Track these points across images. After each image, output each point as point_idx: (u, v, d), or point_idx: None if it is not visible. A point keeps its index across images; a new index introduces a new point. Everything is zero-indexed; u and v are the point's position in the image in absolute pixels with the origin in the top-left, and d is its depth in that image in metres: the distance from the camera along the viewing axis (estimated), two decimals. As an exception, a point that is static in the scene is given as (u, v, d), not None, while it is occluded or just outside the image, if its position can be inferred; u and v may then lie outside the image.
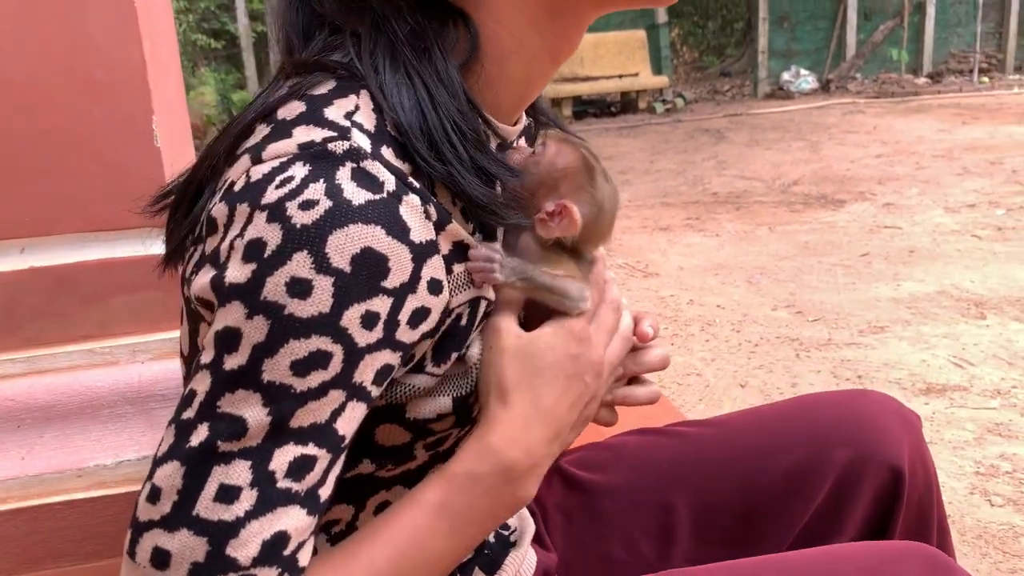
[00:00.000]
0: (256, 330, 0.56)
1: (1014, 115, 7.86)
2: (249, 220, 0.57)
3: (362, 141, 0.59)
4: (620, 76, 10.22)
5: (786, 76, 10.89)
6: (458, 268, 0.64)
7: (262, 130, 0.62)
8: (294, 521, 0.58)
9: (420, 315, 0.61)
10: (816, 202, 5.08)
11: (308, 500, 0.59)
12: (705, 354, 2.95)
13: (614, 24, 11.15)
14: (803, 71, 10.95)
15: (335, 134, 0.59)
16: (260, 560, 0.57)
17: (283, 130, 0.60)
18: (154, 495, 0.57)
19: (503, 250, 0.68)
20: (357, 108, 0.62)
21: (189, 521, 0.56)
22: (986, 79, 10.58)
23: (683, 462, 0.98)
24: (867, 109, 9.12)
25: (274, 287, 0.55)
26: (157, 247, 1.11)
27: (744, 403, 2.51)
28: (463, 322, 0.66)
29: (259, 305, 0.56)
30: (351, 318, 0.57)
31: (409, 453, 0.71)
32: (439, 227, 0.62)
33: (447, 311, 0.64)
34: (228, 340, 0.57)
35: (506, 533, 0.86)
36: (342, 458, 0.61)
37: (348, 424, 0.60)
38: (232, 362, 0.56)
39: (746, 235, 4.44)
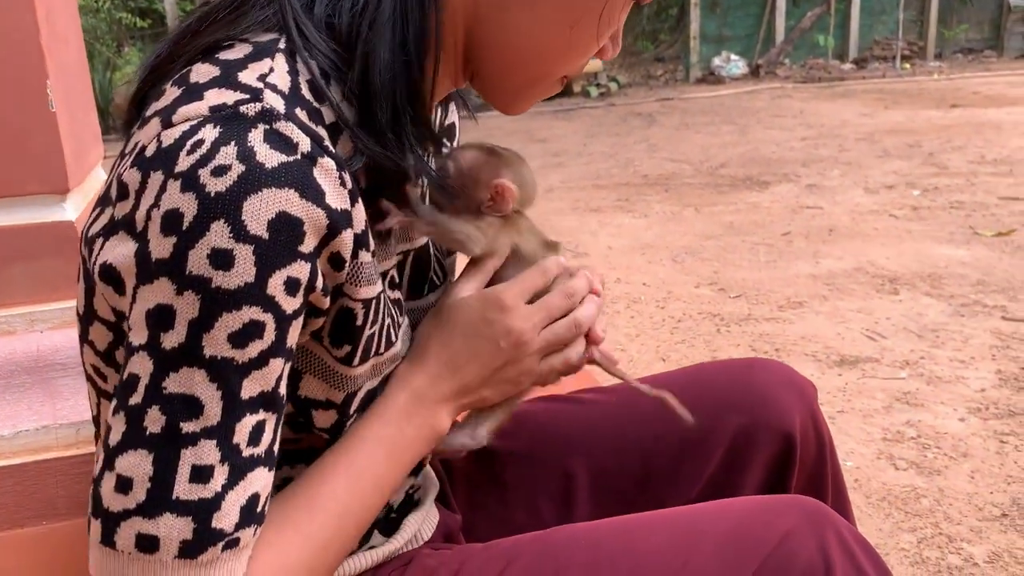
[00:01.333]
0: (188, 306, 0.56)
1: (933, 100, 8.12)
2: (163, 189, 0.56)
3: (275, 102, 0.59)
4: (554, 59, 10.24)
5: (717, 61, 11.05)
6: (364, 258, 0.64)
7: (173, 92, 0.61)
8: (262, 481, 0.61)
9: (334, 263, 0.62)
10: (742, 184, 5.18)
11: (268, 458, 0.61)
12: (630, 330, 3.00)
13: (548, 7, 11.13)
14: (733, 56, 11.13)
15: (247, 96, 0.59)
16: (241, 524, 0.59)
17: (194, 93, 0.60)
18: (123, 485, 0.57)
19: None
20: (271, 70, 0.61)
21: (170, 505, 0.57)
22: (907, 65, 10.90)
23: (583, 428, 1.00)
24: (795, 94, 9.32)
25: (197, 260, 0.55)
26: (55, 214, 1.09)
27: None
28: (358, 321, 0.67)
29: (186, 280, 0.56)
30: (275, 285, 0.57)
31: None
32: (354, 198, 0.61)
33: (340, 292, 0.64)
34: (161, 318, 0.56)
35: (411, 491, 0.88)
36: (283, 412, 0.64)
37: (283, 385, 0.62)
38: (169, 341, 0.56)
39: (673, 216, 4.52)
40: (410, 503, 0.88)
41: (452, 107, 0.95)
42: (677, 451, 0.97)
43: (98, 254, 0.61)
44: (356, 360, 0.69)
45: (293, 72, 0.62)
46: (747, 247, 3.89)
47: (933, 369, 2.56)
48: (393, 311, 0.73)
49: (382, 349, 0.71)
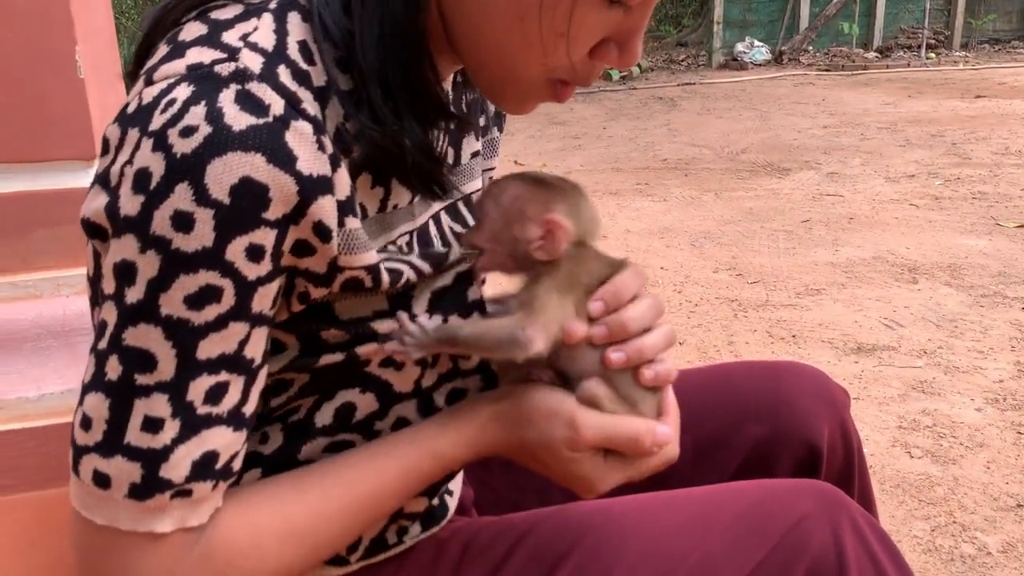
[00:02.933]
0: (149, 265, 0.57)
1: (958, 90, 8.02)
2: (137, 147, 0.57)
3: (251, 62, 0.58)
4: (576, 42, 10.19)
5: (740, 47, 10.94)
6: (352, 224, 0.63)
7: (162, 50, 0.62)
8: (221, 440, 0.62)
9: (303, 249, 0.61)
10: (762, 170, 5.15)
11: (232, 419, 0.62)
12: (646, 314, 2.99)
13: (571, -11, 11.07)
14: (757, 42, 11.02)
15: (224, 56, 0.58)
16: (192, 477, 0.61)
17: (179, 50, 0.60)
18: (86, 423, 0.60)
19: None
20: (255, 29, 0.60)
21: (121, 449, 0.59)
22: (933, 55, 10.76)
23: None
24: (817, 81, 9.23)
25: (161, 220, 0.56)
26: (81, 180, 1.10)
27: (680, 360, 2.56)
28: (367, 284, 0.66)
29: (150, 239, 0.56)
30: (235, 251, 0.57)
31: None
32: (335, 163, 0.60)
33: (336, 266, 0.63)
34: (125, 273, 0.58)
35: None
36: (260, 375, 0.64)
37: (256, 348, 0.62)
38: (131, 296, 0.58)
39: (693, 201, 4.50)
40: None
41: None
42: (690, 456, 0.94)
43: (83, 210, 0.62)
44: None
45: (281, 32, 0.61)
46: (766, 233, 3.87)
47: (951, 359, 2.55)
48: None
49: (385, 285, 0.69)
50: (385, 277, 0.68)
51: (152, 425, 0.59)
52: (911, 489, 1.91)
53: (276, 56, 0.59)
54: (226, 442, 0.62)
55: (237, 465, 0.64)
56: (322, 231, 0.61)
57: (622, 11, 0.65)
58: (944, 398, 2.31)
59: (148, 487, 0.60)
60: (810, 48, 11.21)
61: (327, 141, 0.60)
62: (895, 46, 11.35)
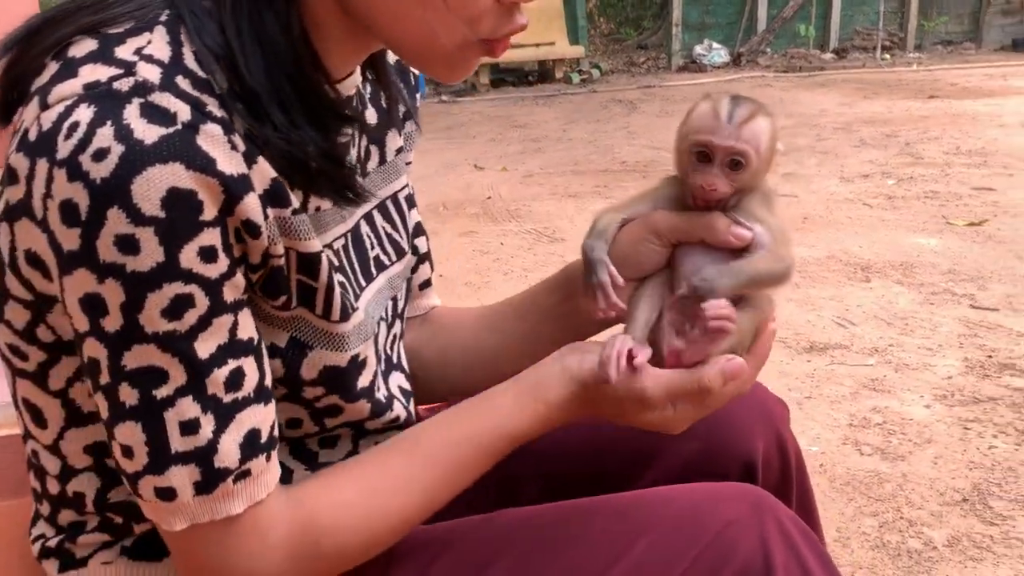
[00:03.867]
0: (113, 292, 0.58)
1: (911, 91, 8.17)
2: (51, 178, 0.56)
3: (149, 73, 0.58)
4: (537, 45, 10.20)
5: (699, 49, 11.05)
6: (273, 213, 0.63)
7: (51, 68, 0.60)
8: (257, 417, 0.65)
9: (240, 239, 0.62)
10: (720, 171, 5.19)
11: (258, 395, 0.65)
12: (603, 316, 3.01)
13: (531, -7, 11.10)
14: (715, 44, 11.13)
15: (121, 71, 0.58)
16: (245, 458, 0.64)
17: (71, 69, 0.59)
18: (127, 452, 0.62)
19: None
20: (149, 42, 0.60)
21: (172, 459, 0.62)
22: (888, 56, 10.95)
23: (547, 451, 0.96)
24: (775, 83, 9.34)
25: (106, 248, 0.56)
26: None
27: (637, 362, 2.57)
28: (285, 272, 0.67)
29: (103, 268, 0.57)
30: (189, 258, 0.58)
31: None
32: (249, 160, 0.61)
33: (266, 257, 0.64)
34: (95, 306, 0.58)
35: None
36: (263, 348, 0.67)
37: (247, 328, 0.64)
38: (110, 325, 0.59)
39: (651, 202, 4.52)
40: None
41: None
42: (628, 469, 0.95)
43: (10, 240, 0.62)
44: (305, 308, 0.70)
45: (176, 44, 0.60)
46: (722, 234, 3.90)
47: (901, 356, 2.59)
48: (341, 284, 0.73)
49: (335, 316, 0.71)
50: (324, 274, 0.68)
51: (190, 427, 0.61)
52: (860, 486, 1.94)
53: (173, 66, 0.59)
54: (261, 417, 0.65)
55: (276, 432, 0.68)
56: (251, 227, 0.61)
57: None
58: (894, 395, 2.35)
59: (210, 480, 0.63)
60: (768, 50, 11.35)
61: (238, 140, 0.60)
62: (851, 47, 11.52)
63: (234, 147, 0.59)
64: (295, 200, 0.65)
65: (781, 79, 9.67)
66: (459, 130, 7.23)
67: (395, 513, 0.73)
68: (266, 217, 0.62)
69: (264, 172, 0.62)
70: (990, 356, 2.55)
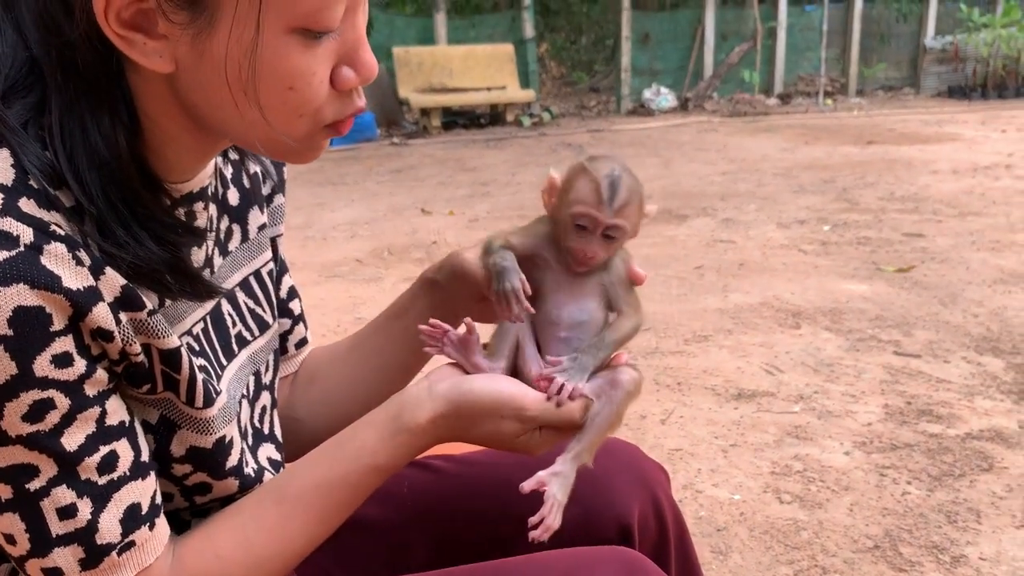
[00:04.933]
0: None
1: (851, 136, 8.42)
2: None
3: None
4: (488, 89, 10.36)
5: (647, 94, 11.29)
6: (126, 317, 0.66)
7: None
8: (136, 492, 0.69)
9: (102, 336, 0.65)
10: (661, 217, 5.30)
11: (135, 472, 0.69)
12: (540, 364, 3.05)
13: (484, 37, 11.29)
14: (664, 89, 11.38)
15: None
16: (127, 531, 0.69)
17: None
18: (10, 540, 0.67)
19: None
20: None
21: (54, 542, 0.66)
22: (830, 101, 11.28)
23: (428, 497, 1.02)
24: (720, 128, 9.57)
25: None
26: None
27: (569, 411, 2.61)
28: (147, 365, 0.70)
29: None
30: (42, 367, 0.62)
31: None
32: (96, 272, 0.64)
33: (124, 355, 0.68)
34: None
35: None
36: (137, 426, 0.71)
37: (118, 414, 0.68)
38: None
39: (593, 248, 4.60)
40: None
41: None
42: (517, 527, 0.97)
43: None
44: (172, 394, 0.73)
45: (21, 164, 0.63)
46: (661, 280, 3.99)
47: (825, 403, 2.66)
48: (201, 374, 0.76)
49: (199, 403, 0.74)
50: (185, 367, 0.72)
51: (67, 512, 0.66)
52: (778, 535, 1.99)
53: (15, 189, 0.62)
54: (140, 491, 0.70)
55: (159, 499, 0.73)
56: (103, 334, 0.65)
57: (330, 38, 0.66)
58: (816, 443, 2.41)
59: (94, 556, 0.67)
60: (714, 95, 11.63)
61: (83, 255, 0.63)
62: (795, 93, 11.87)
63: (80, 262, 0.62)
64: (149, 302, 0.68)
65: (727, 123, 9.92)
66: (408, 173, 7.29)
67: (275, 561, 0.77)
68: (119, 322, 0.66)
69: (113, 281, 0.65)
70: (909, 403, 2.64)
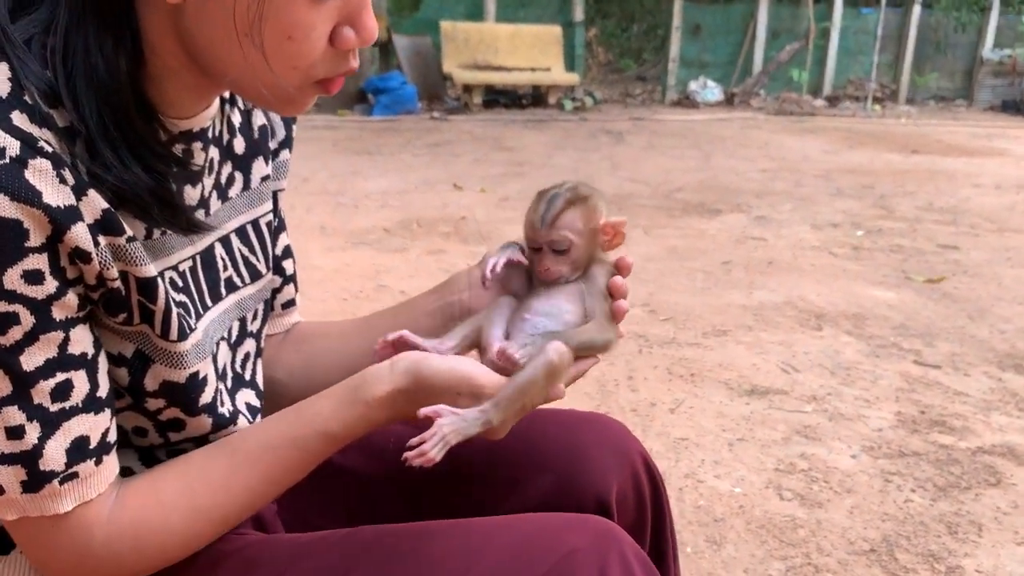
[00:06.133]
0: None
1: (896, 144, 8.30)
2: None
3: None
4: (533, 69, 10.33)
5: (693, 86, 11.19)
6: (104, 241, 0.68)
7: None
8: (86, 425, 0.70)
9: (79, 256, 0.66)
10: (694, 210, 5.27)
11: (89, 405, 0.70)
12: (555, 344, 3.06)
13: (533, 17, 11.25)
14: (710, 82, 11.28)
15: None
16: (72, 462, 0.70)
17: None
18: None
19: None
20: None
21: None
22: (878, 107, 11.11)
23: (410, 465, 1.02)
24: (765, 125, 9.47)
25: None
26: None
27: (580, 392, 2.62)
28: (123, 293, 0.72)
29: None
30: (12, 280, 0.63)
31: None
32: (79, 192, 0.65)
33: (101, 280, 0.69)
34: None
35: None
36: (100, 361, 0.72)
37: (81, 344, 0.69)
38: None
39: (622, 235, 4.59)
40: None
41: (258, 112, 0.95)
42: (491, 493, 1.00)
43: None
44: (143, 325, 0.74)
45: (18, 79, 0.65)
46: (686, 272, 3.97)
47: (838, 406, 2.64)
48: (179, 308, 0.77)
49: (173, 336, 0.76)
50: (161, 298, 0.73)
51: (15, 432, 0.66)
52: (775, 530, 1.99)
53: (9, 102, 0.64)
54: (90, 425, 0.70)
55: (112, 438, 0.73)
56: (80, 255, 0.66)
57: None
58: (823, 443, 2.40)
59: (36, 481, 0.68)
60: (761, 92, 11.50)
61: (68, 174, 0.65)
62: (843, 96, 11.70)
63: (63, 181, 0.64)
64: (129, 229, 0.70)
65: (771, 121, 9.81)
66: (445, 147, 7.31)
67: (216, 514, 0.78)
68: (97, 244, 0.67)
69: (95, 204, 0.67)
70: (923, 412, 2.61)
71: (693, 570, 1.84)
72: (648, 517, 1.01)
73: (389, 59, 10.61)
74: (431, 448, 0.77)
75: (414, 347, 0.86)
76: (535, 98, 10.49)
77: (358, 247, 4.26)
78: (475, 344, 0.89)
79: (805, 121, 9.94)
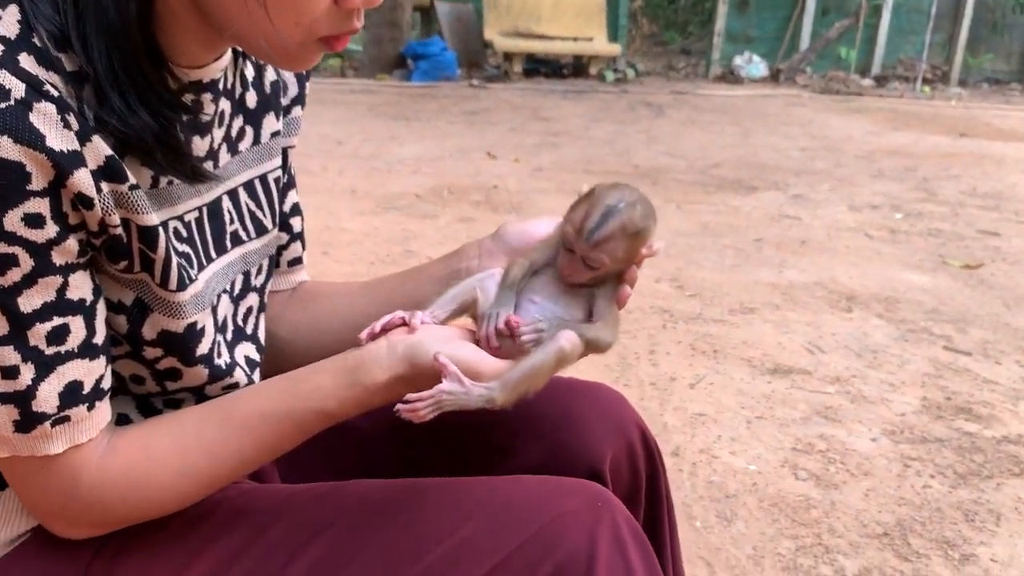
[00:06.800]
0: None
1: (944, 126, 8.10)
2: None
3: None
4: (575, 39, 10.22)
5: (738, 60, 11.00)
6: (107, 187, 0.68)
7: None
8: (80, 370, 0.71)
9: (82, 202, 0.67)
10: (730, 186, 5.20)
11: (84, 351, 0.70)
12: (579, 315, 3.05)
13: (577, -14, 11.11)
14: (756, 57, 11.08)
15: None
16: (64, 406, 0.70)
17: None
18: None
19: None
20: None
21: None
22: (928, 89, 10.84)
23: (409, 423, 1.01)
24: (809, 103, 9.29)
25: None
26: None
27: (599, 365, 2.61)
28: (125, 240, 0.72)
29: None
30: (13, 223, 0.63)
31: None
32: (83, 138, 0.65)
33: (103, 227, 0.69)
34: None
35: None
36: (99, 308, 0.72)
37: (80, 290, 0.69)
38: None
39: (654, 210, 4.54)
40: None
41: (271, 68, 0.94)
42: (486, 457, 1.00)
43: None
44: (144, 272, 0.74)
45: (28, 21, 0.65)
46: (716, 249, 3.92)
47: (861, 388, 2.60)
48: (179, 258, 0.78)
49: (172, 286, 0.76)
50: (162, 247, 0.73)
51: (9, 373, 0.67)
52: (787, 509, 1.97)
53: (18, 44, 0.64)
54: (85, 371, 0.71)
55: (106, 385, 0.74)
56: (83, 200, 0.67)
57: None
58: (844, 425, 2.37)
59: (28, 421, 0.69)
60: (808, 69, 11.27)
61: (72, 119, 0.65)
62: (892, 76, 11.43)
63: (67, 126, 0.64)
64: (133, 177, 0.70)
65: (816, 100, 9.62)
66: (482, 115, 7.28)
67: (204, 476, 0.79)
68: (99, 191, 0.67)
69: (98, 150, 0.67)
70: (949, 398, 2.56)
71: (701, 544, 1.83)
72: (642, 489, 1.00)
73: (430, 24, 10.56)
74: (423, 408, 0.77)
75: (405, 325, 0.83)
76: (576, 68, 10.39)
77: (388, 212, 4.27)
78: (467, 310, 0.87)
79: (851, 101, 9.73)
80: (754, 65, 10.95)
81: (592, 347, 0.85)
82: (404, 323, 0.82)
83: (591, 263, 0.84)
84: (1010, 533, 1.93)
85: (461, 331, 0.83)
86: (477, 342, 0.83)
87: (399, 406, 0.77)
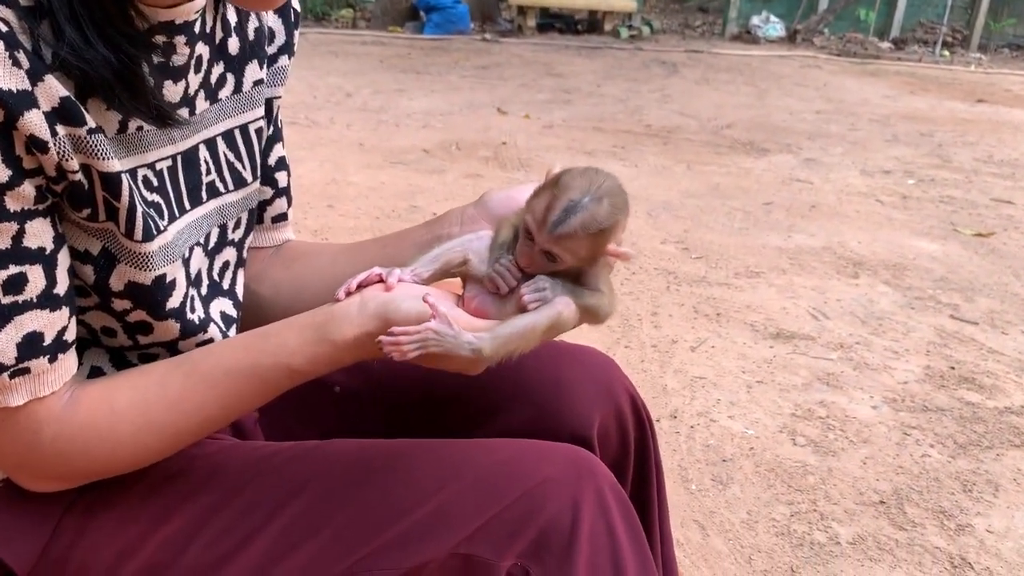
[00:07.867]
0: None
1: (961, 91, 7.96)
2: None
3: None
4: (590, -6, 10.06)
5: (755, 20, 10.80)
6: (63, 130, 0.65)
7: None
8: (40, 321, 0.68)
9: (36, 145, 0.64)
10: (741, 148, 5.14)
11: (44, 301, 0.68)
12: (583, 275, 3.02)
13: (593, -60, 10.89)
14: (773, 17, 10.87)
15: None
16: (23, 357, 0.68)
17: None
18: None
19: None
20: None
21: None
22: (947, 53, 10.64)
23: (391, 375, 1.00)
24: (825, 65, 9.13)
25: None
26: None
27: (600, 327, 2.59)
28: (86, 187, 0.69)
29: None
30: None
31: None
32: (35, 78, 0.63)
33: (61, 172, 0.67)
34: None
35: None
36: (61, 258, 0.69)
37: (39, 238, 0.67)
38: None
39: (663, 170, 4.49)
40: None
41: (264, 14, 0.92)
42: (472, 418, 0.98)
43: None
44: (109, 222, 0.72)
45: None
46: (725, 211, 3.88)
47: (864, 355, 2.59)
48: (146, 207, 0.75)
49: (138, 236, 0.74)
50: (125, 195, 0.71)
51: None
52: (784, 475, 1.97)
53: None
54: (45, 322, 0.69)
55: (70, 337, 0.72)
56: (37, 144, 0.64)
57: None
58: (845, 392, 2.36)
59: None
60: (825, 31, 11.07)
61: (22, 56, 0.62)
62: (911, 39, 11.20)
63: (16, 63, 0.61)
64: (93, 120, 0.67)
65: (833, 62, 9.46)
66: (493, 71, 7.18)
67: (167, 431, 0.77)
68: (55, 134, 0.65)
69: (52, 91, 0.64)
70: (953, 368, 2.54)
71: (696, 507, 1.83)
72: (631, 454, 0.99)
73: (444, -24, 10.38)
74: (407, 343, 0.74)
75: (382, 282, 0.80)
76: (591, 24, 10.23)
77: (395, 166, 4.23)
78: (450, 271, 0.84)
79: (868, 63, 9.55)
80: (771, 25, 10.74)
81: (589, 316, 0.82)
82: (381, 280, 0.79)
83: (550, 257, 0.79)
84: (1007, 504, 1.92)
85: (438, 291, 0.81)
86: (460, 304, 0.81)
87: (381, 337, 0.74)
